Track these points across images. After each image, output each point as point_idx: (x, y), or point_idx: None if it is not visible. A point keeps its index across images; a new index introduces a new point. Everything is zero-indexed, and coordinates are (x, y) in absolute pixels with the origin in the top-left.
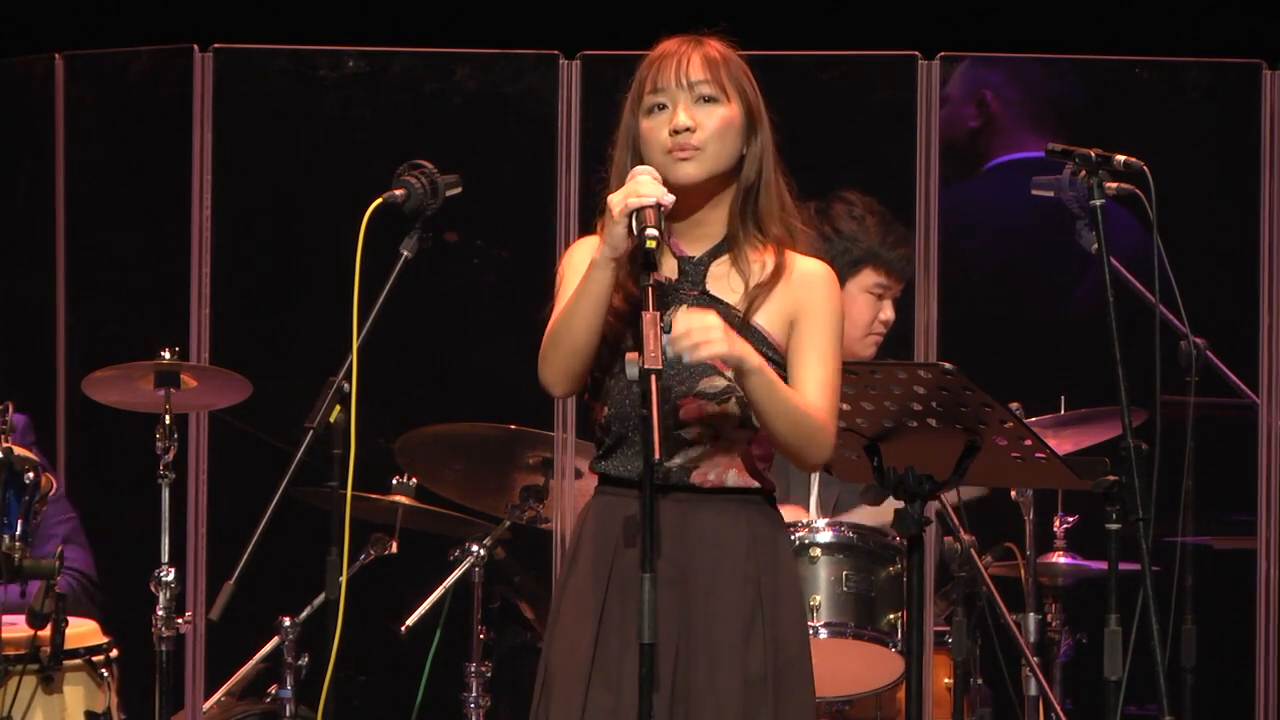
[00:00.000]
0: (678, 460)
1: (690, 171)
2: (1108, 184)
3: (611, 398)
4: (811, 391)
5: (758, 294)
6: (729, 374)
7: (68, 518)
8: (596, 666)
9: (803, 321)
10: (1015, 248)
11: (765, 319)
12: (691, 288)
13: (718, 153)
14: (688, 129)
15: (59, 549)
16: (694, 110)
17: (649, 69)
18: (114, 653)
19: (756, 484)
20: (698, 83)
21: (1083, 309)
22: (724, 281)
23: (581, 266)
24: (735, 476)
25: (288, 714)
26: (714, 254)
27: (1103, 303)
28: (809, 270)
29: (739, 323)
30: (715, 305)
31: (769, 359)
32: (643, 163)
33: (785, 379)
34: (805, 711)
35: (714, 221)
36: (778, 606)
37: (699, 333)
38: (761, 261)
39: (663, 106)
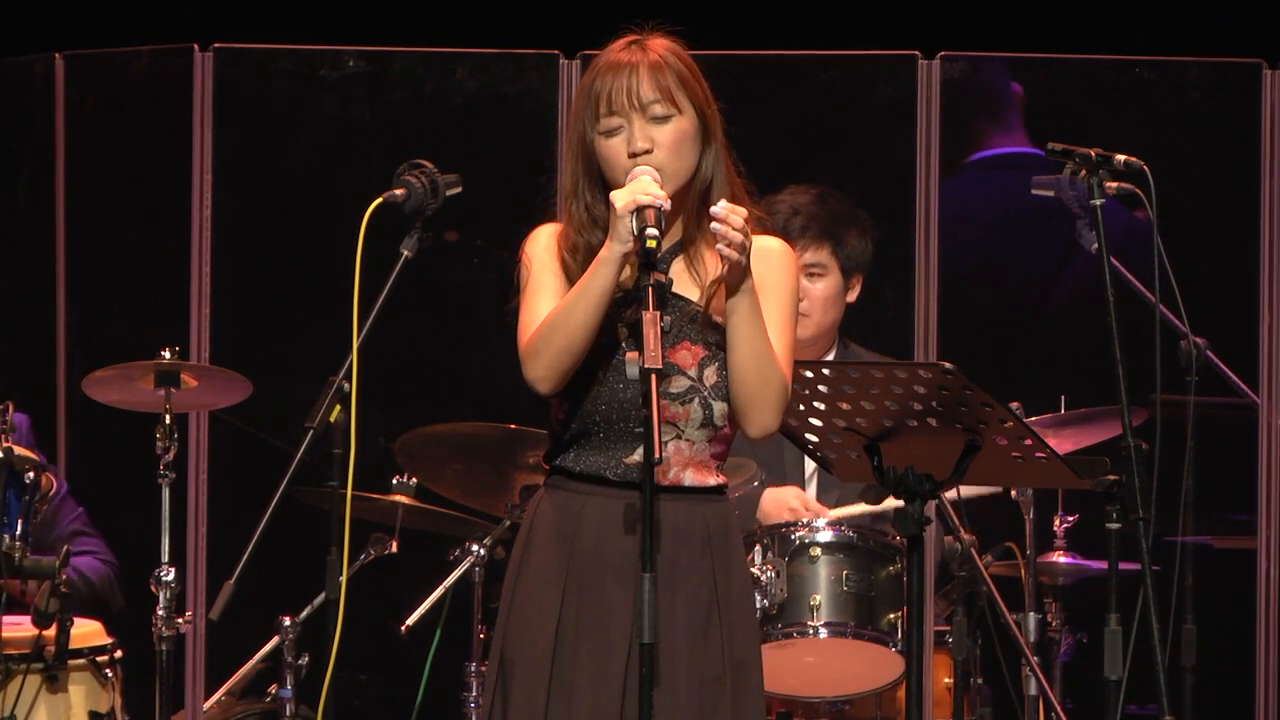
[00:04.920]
0: (636, 458)
1: None
2: (1108, 184)
3: (572, 394)
4: None
5: (715, 288)
6: (691, 373)
7: (76, 515)
8: (556, 669)
9: (760, 298)
10: (1009, 246)
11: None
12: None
13: (676, 170)
14: (646, 151)
15: (65, 549)
16: (649, 130)
17: (602, 82)
18: (118, 653)
19: (712, 481)
20: (650, 103)
21: (1066, 303)
22: (683, 278)
23: (545, 255)
24: (692, 475)
25: (288, 714)
26: (672, 253)
27: (1093, 300)
28: (766, 246)
29: (699, 318)
30: (676, 302)
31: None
32: (600, 177)
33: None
34: (758, 716)
35: (671, 224)
36: (732, 602)
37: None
38: (717, 257)
39: (619, 129)
